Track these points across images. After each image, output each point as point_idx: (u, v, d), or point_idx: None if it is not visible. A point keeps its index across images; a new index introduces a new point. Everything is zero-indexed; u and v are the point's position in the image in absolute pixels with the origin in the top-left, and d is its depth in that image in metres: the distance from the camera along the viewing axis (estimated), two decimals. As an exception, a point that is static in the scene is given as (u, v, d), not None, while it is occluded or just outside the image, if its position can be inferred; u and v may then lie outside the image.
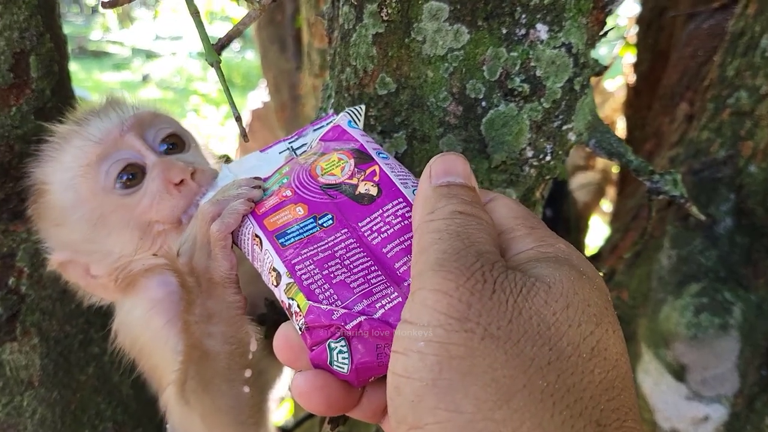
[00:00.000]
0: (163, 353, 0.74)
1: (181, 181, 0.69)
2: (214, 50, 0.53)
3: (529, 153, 0.64)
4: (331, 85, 0.74)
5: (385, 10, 0.58)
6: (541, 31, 0.60)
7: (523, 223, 0.45)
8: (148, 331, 0.75)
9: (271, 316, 0.75)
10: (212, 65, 0.52)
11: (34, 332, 0.79)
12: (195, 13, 0.50)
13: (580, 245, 2.15)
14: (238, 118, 0.51)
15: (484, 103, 0.62)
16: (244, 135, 0.55)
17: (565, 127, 0.64)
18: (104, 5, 0.53)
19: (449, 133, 0.63)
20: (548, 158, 0.65)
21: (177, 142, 0.76)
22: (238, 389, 0.69)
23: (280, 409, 2.27)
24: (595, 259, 1.51)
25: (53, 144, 0.74)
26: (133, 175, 0.71)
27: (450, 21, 0.60)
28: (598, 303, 0.39)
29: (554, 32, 0.60)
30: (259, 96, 3.90)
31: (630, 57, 2.24)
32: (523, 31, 0.60)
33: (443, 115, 0.63)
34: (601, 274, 0.89)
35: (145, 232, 0.72)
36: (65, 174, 0.72)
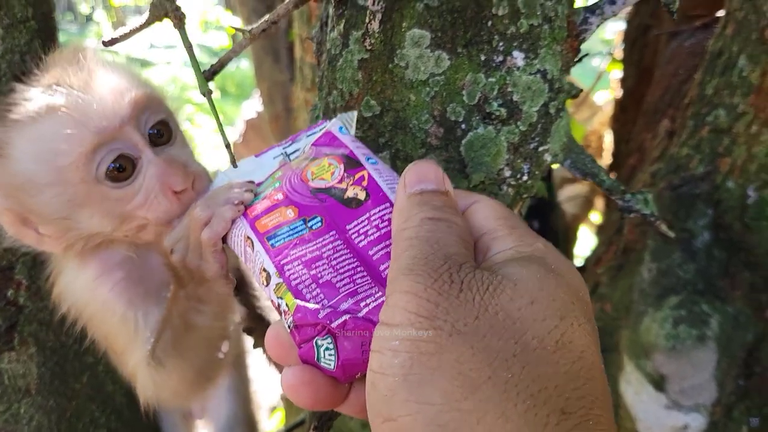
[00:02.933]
0: (117, 321, 0.75)
1: (183, 190, 0.68)
2: (205, 76, 0.56)
3: (507, 173, 0.67)
4: (319, 105, 0.77)
5: (368, 40, 0.61)
6: (518, 58, 0.63)
7: (504, 224, 0.48)
8: (97, 301, 0.75)
9: (258, 328, 0.78)
10: (204, 95, 0.54)
11: (31, 342, 0.81)
12: (189, 47, 0.52)
13: (568, 256, 2.18)
14: (228, 146, 0.54)
15: (463, 126, 0.65)
16: (233, 161, 0.57)
17: (541, 149, 0.67)
18: (105, 44, 0.56)
19: (431, 153, 0.66)
20: (525, 178, 0.68)
21: (164, 130, 0.72)
22: (214, 354, 0.74)
23: (272, 419, 2.28)
24: (580, 271, 1.53)
25: (28, 105, 0.67)
26: (121, 167, 0.67)
27: (431, 48, 0.63)
28: (563, 298, 0.42)
29: (530, 59, 0.63)
30: (253, 105, 3.93)
31: (617, 72, 2.28)
32: (500, 58, 0.63)
33: (425, 137, 0.66)
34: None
35: (126, 221, 0.70)
36: (50, 154, 0.67)
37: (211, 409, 1.03)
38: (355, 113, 0.63)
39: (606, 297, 1.31)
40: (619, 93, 1.97)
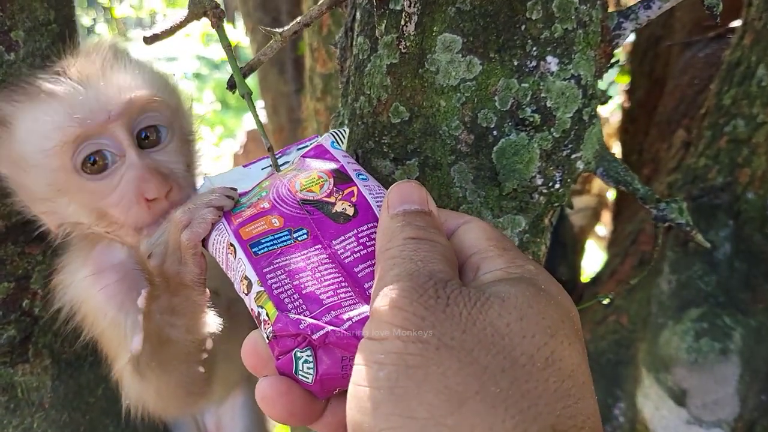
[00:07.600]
0: (108, 324, 0.76)
1: (154, 198, 0.69)
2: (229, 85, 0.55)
3: (539, 181, 0.65)
4: (343, 112, 0.75)
5: (403, 42, 0.60)
6: (552, 63, 0.62)
7: (495, 245, 0.48)
8: (91, 301, 0.76)
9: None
10: (243, 96, 0.53)
11: (46, 354, 0.79)
12: (227, 47, 0.51)
13: (576, 268, 2.17)
14: (270, 149, 0.53)
15: (495, 132, 0.63)
16: (275, 165, 0.56)
17: (573, 156, 0.65)
18: (146, 41, 0.55)
19: (461, 160, 0.65)
20: (557, 186, 0.66)
21: (153, 134, 0.73)
22: (193, 369, 0.73)
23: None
24: (593, 283, 1.52)
25: (34, 88, 0.70)
26: (94, 161, 0.69)
27: (463, 52, 0.61)
28: (553, 317, 0.41)
29: (564, 64, 0.62)
30: (255, 117, 3.92)
31: (625, 83, 2.28)
32: (533, 63, 0.62)
33: (455, 144, 0.64)
34: (608, 299, 0.90)
35: (102, 217, 0.72)
36: (38, 137, 0.69)
37: (225, 425, 1.01)
38: (348, 129, 0.63)
39: (622, 309, 1.29)
40: (627, 103, 1.96)
